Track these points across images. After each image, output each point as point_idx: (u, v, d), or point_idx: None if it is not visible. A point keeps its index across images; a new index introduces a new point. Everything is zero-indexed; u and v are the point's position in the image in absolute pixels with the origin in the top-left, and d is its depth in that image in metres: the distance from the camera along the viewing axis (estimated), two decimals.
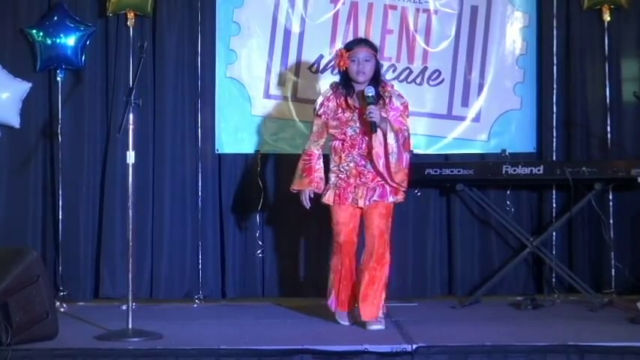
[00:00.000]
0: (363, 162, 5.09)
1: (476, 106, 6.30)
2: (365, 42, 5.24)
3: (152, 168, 6.20)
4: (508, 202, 6.27)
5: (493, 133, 6.29)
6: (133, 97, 4.88)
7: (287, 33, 6.28)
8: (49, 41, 6.09)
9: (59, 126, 6.10)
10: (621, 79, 6.30)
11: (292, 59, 6.27)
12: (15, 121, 6.11)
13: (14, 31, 6.19)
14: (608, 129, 6.24)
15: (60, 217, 6.11)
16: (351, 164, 5.11)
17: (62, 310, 5.67)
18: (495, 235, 6.30)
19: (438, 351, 4.42)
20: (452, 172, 5.96)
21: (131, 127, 4.91)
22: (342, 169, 5.13)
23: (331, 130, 5.18)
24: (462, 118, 6.29)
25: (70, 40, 6.10)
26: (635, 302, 5.57)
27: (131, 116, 4.90)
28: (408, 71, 6.28)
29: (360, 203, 5.09)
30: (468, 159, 6.23)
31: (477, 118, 6.29)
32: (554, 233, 6.21)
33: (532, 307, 5.73)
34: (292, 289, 6.26)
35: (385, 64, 6.00)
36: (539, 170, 5.93)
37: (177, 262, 6.20)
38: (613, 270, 6.15)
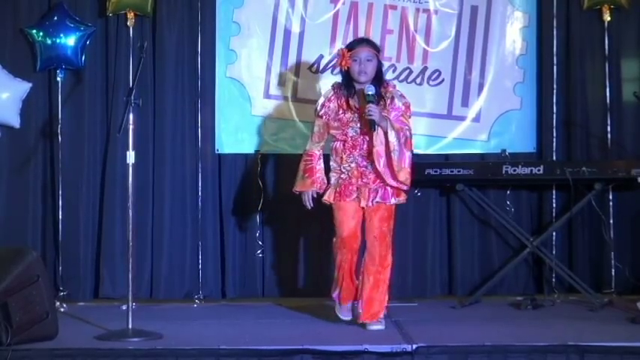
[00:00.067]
0: (365, 163, 5.08)
1: (476, 106, 6.30)
2: (367, 42, 5.22)
3: (152, 168, 6.20)
4: (508, 202, 6.27)
5: (493, 133, 6.29)
6: (132, 97, 4.88)
7: (287, 33, 6.28)
8: (49, 41, 6.09)
9: (59, 126, 6.10)
10: (621, 79, 6.30)
11: (292, 59, 6.27)
12: (15, 121, 6.11)
13: (14, 31, 6.19)
14: (608, 129, 6.24)
15: (60, 217, 6.11)
16: (353, 165, 5.10)
17: (62, 310, 5.67)
18: (495, 235, 6.30)
19: (437, 351, 4.42)
20: (452, 172, 5.96)
21: (131, 127, 4.91)
22: (343, 170, 5.12)
23: (332, 131, 5.17)
24: (462, 118, 6.29)
25: (70, 40, 6.10)
26: (635, 302, 5.57)
27: (131, 116, 4.90)
28: (408, 71, 6.28)
29: (363, 203, 5.08)
30: (468, 159, 6.23)
31: (477, 118, 6.30)
32: (554, 233, 6.21)
33: (532, 307, 5.73)
34: (292, 289, 6.26)
35: (385, 64, 5.99)
36: (539, 170, 5.93)
37: (177, 262, 6.20)
38: (613, 270, 6.15)
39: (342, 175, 5.12)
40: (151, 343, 4.65)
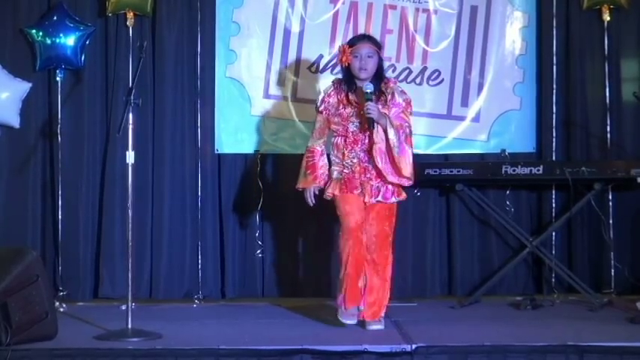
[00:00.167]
0: (367, 158, 5.06)
1: (475, 106, 6.30)
2: (368, 38, 5.21)
3: (152, 168, 6.20)
4: (508, 202, 6.27)
5: (493, 133, 6.29)
6: (132, 97, 4.88)
7: (287, 33, 6.28)
8: (48, 41, 6.08)
9: (59, 126, 6.10)
10: (621, 79, 6.30)
11: (292, 59, 6.27)
12: (15, 121, 6.11)
13: (14, 31, 6.19)
14: (608, 129, 6.24)
15: (59, 217, 6.11)
16: (355, 160, 5.08)
17: (62, 310, 5.67)
18: (495, 235, 6.30)
19: (437, 351, 4.42)
20: (451, 172, 5.96)
21: (131, 127, 4.91)
22: (346, 165, 5.09)
23: (333, 126, 5.14)
24: (461, 118, 6.29)
25: (69, 40, 6.09)
26: (634, 302, 5.57)
27: (131, 116, 4.90)
28: (407, 71, 6.28)
29: (366, 199, 5.05)
30: (468, 159, 6.23)
31: (476, 118, 6.30)
32: (553, 233, 6.21)
33: (532, 307, 5.73)
34: (292, 289, 6.26)
35: (385, 64, 5.99)
36: (538, 170, 5.93)
37: (176, 262, 6.20)
38: (612, 270, 6.15)
39: (344, 170, 5.09)
40: (151, 343, 4.65)
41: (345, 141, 5.10)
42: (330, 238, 6.08)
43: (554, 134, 6.26)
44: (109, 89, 6.22)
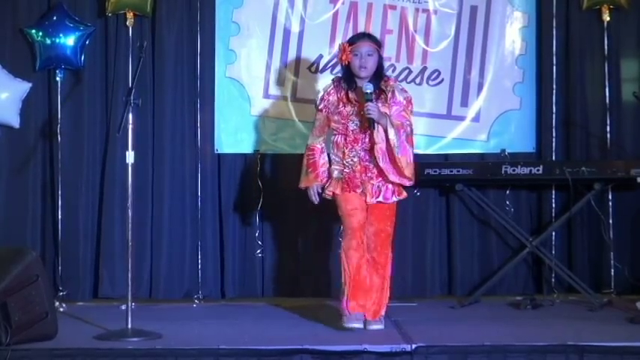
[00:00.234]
0: (368, 157, 5.03)
1: (475, 106, 6.30)
2: (368, 36, 5.18)
3: (151, 168, 6.20)
4: (507, 202, 6.27)
5: (492, 133, 6.29)
6: (132, 97, 4.88)
7: (286, 33, 6.28)
8: (48, 41, 6.08)
9: (58, 126, 6.10)
10: (621, 79, 6.30)
11: (292, 59, 6.27)
12: (15, 121, 6.11)
13: (14, 31, 6.19)
14: (608, 129, 6.24)
15: (59, 217, 6.11)
16: (355, 159, 5.05)
17: (61, 310, 5.66)
18: (495, 235, 6.30)
19: (437, 351, 4.42)
20: (451, 172, 5.96)
21: (130, 126, 4.91)
22: (346, 164, 5.06)
23: (333, 125, 5.11)
24: (461, 118, 6.29)
25: (69, 40, 6.09)
26: (634, 302, 5.57)
27: (130, 116, 4.90)
28: (407, 71, 6.28)
29: (368, 199, 5.03)
30: (468, 159, 6.23)
31: (476, 118, 6.30)
32: (553, 233, 6.21)
33: (531, 307, 5.73)
34: (292, 289, 6.26)
35: (385, 64, 5.99)
36: (538, 170, 5.93)
37: (176, 262, 6.20)
38: (612, 270, 6.15)
39: (345, 169, 5.07)
40: (151, 342, 4.65)
41: (346, 140, 5.08)
42: (330, 238, 6.09)
43: (554, 134, 6.26)
44: (109, 89, 6.22)
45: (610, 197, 6.21)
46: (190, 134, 6.24)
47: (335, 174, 5.10)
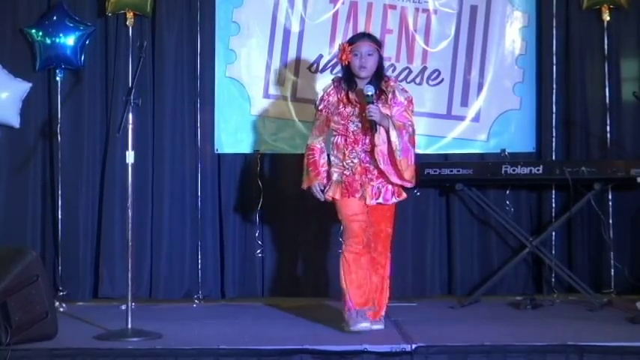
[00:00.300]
0: (368, 158, 5.00)
1: (475, 105, 6.30)
2: (368, 36, 5.16)
3: (151, 168, 6.21)
4: (507, 202, 6.27)
5: (492, 133, 6.29)
6: (132, 97, 4.88)
7: (286, 33, 6.28)
8: (48, 41, 6.08)
9: (58, 126, 6.10)
10: (621, 79, 6.30)
11: (292, 59, 6.27)
12: (15, 121, 6.11)
13: (14, 30, 6.19)
14: (608, 129, 6.24)
15: (59, 216, 6.11)
16: (356, 160, 5.02)
17: (61, 309, 5.67)
18: (495, 235, 6.30)
19: (437, 351, 4.42)
20: (451, 171, 5.96)
21: (130, 126, 4.91)
22: (346, 166, 5.03)
23: (333, 125, 5.08)
24: (461, 118, 6.29)
25: (69, 40, 6.09)
26: (634, 302, 5.57)
27: (130, 116, 4.90)
28: (407, 71, 6.28)
29: (368, 201, 5.01)
30: (468, 159, 6.23)
31: (476, 118, 6.30)
32: (553, 233, 6.21)
33: (531, 307, 5.73)
34: (292, 289, 6.26)
35: (385, 64, 5.99)
36: (538, 170, 5.93)
37: (176, 262, 6.20)
38: (612, 270, 6.15)
39: (345, 172, 5.03)
40: (151, 342, 4.65)
41: (346, 141, 5.05)
42: (330, 238, 6.09)
43: (554, 134, 6.26)
44: (109, 89, 6.22)
45: (610, 197, 6.21)
46: (190, 134, 6.24)
47: (335, 177, 5.07)
